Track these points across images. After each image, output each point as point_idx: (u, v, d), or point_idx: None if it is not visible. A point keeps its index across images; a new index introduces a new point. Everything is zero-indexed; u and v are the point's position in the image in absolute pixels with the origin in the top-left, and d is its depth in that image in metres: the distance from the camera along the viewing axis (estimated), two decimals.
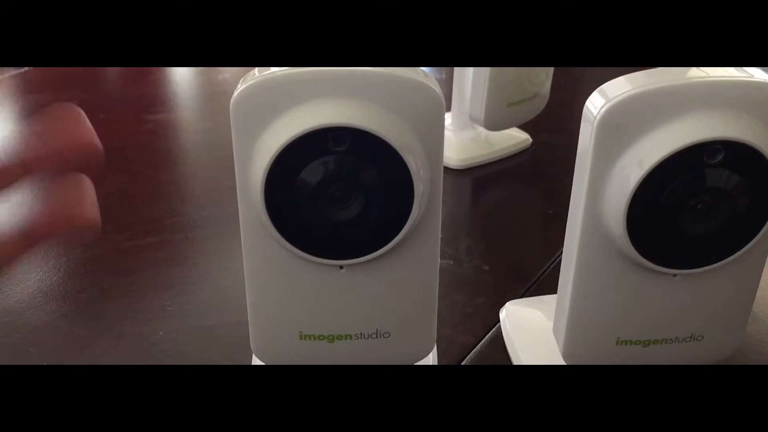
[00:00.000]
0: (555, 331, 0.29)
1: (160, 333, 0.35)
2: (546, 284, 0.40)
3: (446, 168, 0.56)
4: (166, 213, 0.48)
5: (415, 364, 0.32)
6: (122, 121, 0.64)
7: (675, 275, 0.26)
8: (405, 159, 0.24)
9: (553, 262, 0.42)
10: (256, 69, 0.24)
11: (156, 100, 0.70)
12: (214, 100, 0.72)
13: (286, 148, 0.23)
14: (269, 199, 0.23)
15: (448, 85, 0.72)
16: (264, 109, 0.23)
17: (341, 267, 0.26)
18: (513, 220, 0.49)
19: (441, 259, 0.43)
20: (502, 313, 0.36)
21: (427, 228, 0.26)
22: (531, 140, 0.59)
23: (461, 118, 0.57)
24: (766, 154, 0.23)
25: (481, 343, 0.35)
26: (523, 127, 0.58)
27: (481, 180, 0.55)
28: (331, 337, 0.28)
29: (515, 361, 0.33)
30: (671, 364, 0.29)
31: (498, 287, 0.39)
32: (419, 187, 0.24)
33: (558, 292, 0.29)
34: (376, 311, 0.28)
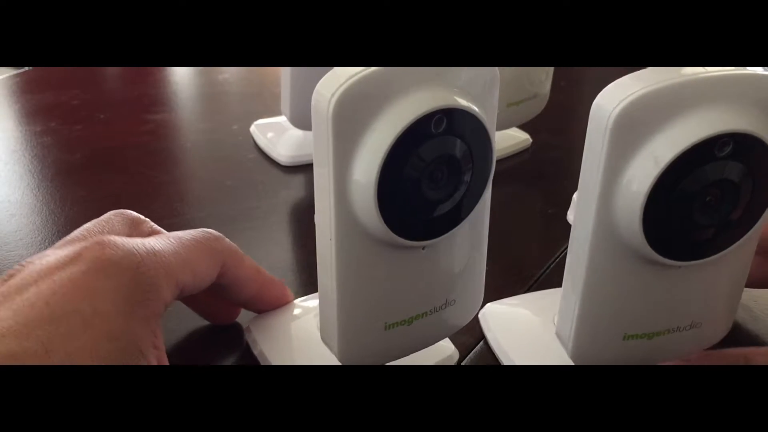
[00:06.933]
0: (560, 333, 0.29)
1: None
2: (546, 284, 0.40)
3: None
4: (166, 213, 0.48)
5: (437, 363, 0.33)
6: (122, 121, 0.64)
7: (679, 266, 0.26)
8: (490, 133, 0.26)
9: (553, 262, 0.43)
10: (335, 69, 0.24)
11: (156, 100, 0.70)
12: (214, 100, 0.72)
13: (398, 139, 0.24)
14: (381, 190, 0.24)
15: None
16: (367, 104, 0.24)
17: (423, 248, 0.28)
18: (513, 220, 0.49)
19: None
20: (482, 316, 0.36)
21: (483, 201, 0.29)
22: (531, 140, 0.59)
23: None
24: None
25: (481, 343, 0.35)
26: (523, 127, 0.58)
27: None
28: (411, 319, 0.29)
29: (505, 362, 0.33)
30: (673, 353, 0.30)
31: (498, 287, 0.39)
32: (494, 157, 0.27)
33: (563, 295, 0.29)
34: (447, 284, 0.30)
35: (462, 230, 0.28)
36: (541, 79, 0.54)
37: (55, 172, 0.54)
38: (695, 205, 0.24)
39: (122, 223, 0.30)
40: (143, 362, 0.25)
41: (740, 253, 0.27)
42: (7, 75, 0.75)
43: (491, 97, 0.27)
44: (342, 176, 0.25)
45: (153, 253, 0.28)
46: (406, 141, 0.24)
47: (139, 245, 0.28)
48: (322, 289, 0.28)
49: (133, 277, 0.26)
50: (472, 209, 0.28)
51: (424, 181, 0.25)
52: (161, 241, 0.29)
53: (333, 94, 0.23)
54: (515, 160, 0.58)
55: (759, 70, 0.24)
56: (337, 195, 0.25)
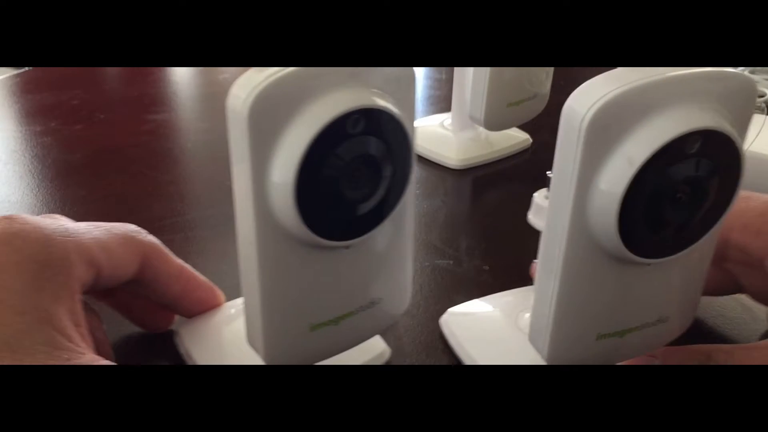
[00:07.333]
0: (533, 337, 0.29)
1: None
2: None
3: (446, 168, 0.56)
4: (166, 213, 0.48)
5: (374, 362, 0.34)
6: (122, 121, 0.64)
7: (649, 264, 0.27)
8: (408, 133, 0.26)
9: None
10: (252, 70, 0.24)
11: (156, 100, 0.70)
12: (214, 100, 0.72)
13: (315, 139, 0.24)
14: (299, 191, 0.24)
15: (448, 85, 0.72)
16: (283, 105, 0.24)
17: (347, 247, 0.27)
18: (513, 220, 0.49)
19: (441, 259, 0.43)
20: (443, 322, 0.36)
21: (405, 198, 0.28)
22: (531, 140, 0.59)
23: (461, 118, 0.57)
24: (735, 139, 0.24)
25: None
26: (523, 127, 0.58)
27: (481, 180, 0.55)
28: (337, 319, 0.29)
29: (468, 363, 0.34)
30: (643, 348, 0.30)
31: (498, 287, 0.39)
32: (414, 157, 0.27)
33: (535, 299, 0.28)
34: (372, 283, 0.30)
35: (385, 229, 0.28)
36: (541, 79, 0.54)
37: (55, 172, 0.54)
38: (667, 203, 0.25)
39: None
40: (63, 340, 0.25)
41: (705, 246, 0.28)
42: (7, 75, 0.75)
43: (409, 96, 0.27)
44: (260, 178, 0.24)
45: (63, 230, 0.27)
46: (323, 141, 0.24)
47: (50, 223, 0.27)
48: (246, 290, 0.28)
49: (42, 251, 0.26)
50: (393, 208, 0.27)
51: (343, 182, 0.25)
52: (76, 224, 0.29)
53: (248, 96, 0.23)
54: (515, 160, 0.58)
55: (725, 68, 0.25)
56: (256, 196, 0.25)
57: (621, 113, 0.23)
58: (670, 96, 0.24)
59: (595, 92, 0.23)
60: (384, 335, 0.36)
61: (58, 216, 0.30)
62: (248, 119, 0.23)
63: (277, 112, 0.24)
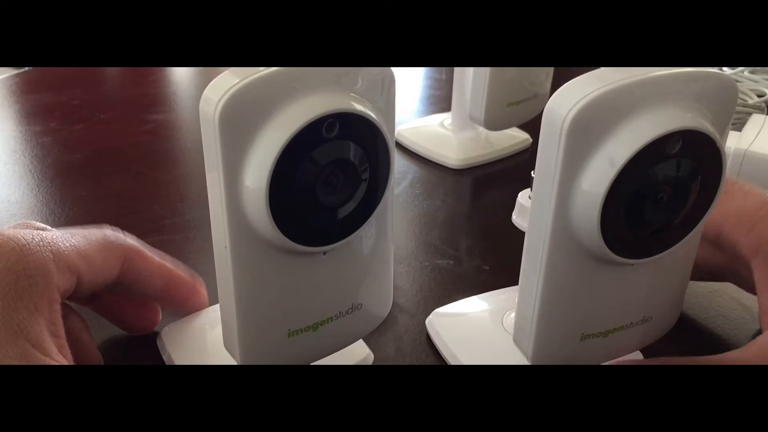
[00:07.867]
0: (517, 339, 0.29)
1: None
2: None
3: (446, 168, 0.56)
4: (166, 213, 0.48)
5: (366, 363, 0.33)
6: (122, 121, 0.64)
7: (632, 264, 0.27)
8: (386, 137, 0.26)
9: None
10: (228, 71, 0.24)
11: (156, 100, 0.70)
12: None
13: (288, 144, 0.23)
14: (273, 196, 0.24)
15: (448, 85, 0.72)
16: (256, 109, 0.23)
17: (324, 253, 0.27)
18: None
19: (441, 259, 0.43)
20: (428, 323, 0.36)
21: (385, 202, 0.28)
22: (531, 140, 0.59)
23: (461, 118, 0.57)
24: (717, 139, 0.24)
25: None
26: (523, 127, 0.58)
27: (481, 180, 0.55)
28: (315, 326, 0.29)
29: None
30: (627, 348, 0.30)
31: (498, 287, 0.39)
32: (394, 160, 0.27)
33: (519, 300, 0.29)
34: (352, 288, 0.29)
35: (364, 234, 0.28)
36: (541, 79, 0.54)
37: (55, 172, 0.54)
38: (649, 203, 0.25)
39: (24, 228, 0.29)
40: (38, 353, 0.24)
41: (688, 245, 0.28)
42: (7, 75, 0.75)
43: (388, 98, 0.26)
44: (233, 182, 0.24)
45: (40, 239, 0.27)
46: (297, 146, 0.23)
47: (26, 232, 0.27)
48: (221, 296, 0.27)
49: (18, 261, 0.25)
50: (371, 213, 0.27)
51: (318, 187, 0.25)
52: (52, 231, 0.28)
53: (220, 99, 0.23)
54: (515, 160, 0.58)
55: (706, 68, 0.25)
56: (229, 202, 0.24)
57: (602, 114, 0.23)
58: (651, 96, 0.24)
59: (576, 93, 0.23)
60: (383, 335, 0.36)
61: (33, 222, 0.30)
62: (220, 123, 0.23)
63: (251, 116, 0.23)
